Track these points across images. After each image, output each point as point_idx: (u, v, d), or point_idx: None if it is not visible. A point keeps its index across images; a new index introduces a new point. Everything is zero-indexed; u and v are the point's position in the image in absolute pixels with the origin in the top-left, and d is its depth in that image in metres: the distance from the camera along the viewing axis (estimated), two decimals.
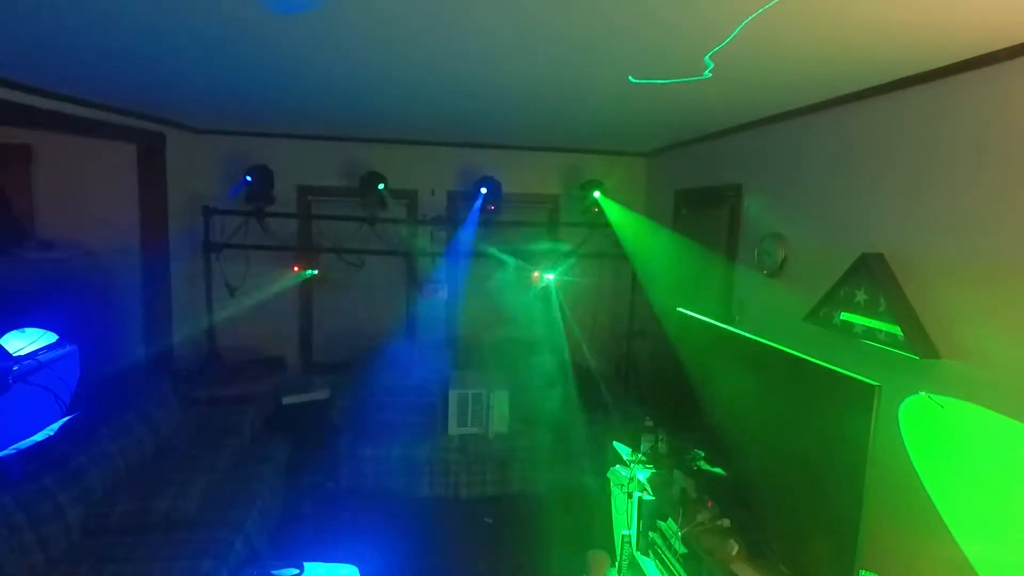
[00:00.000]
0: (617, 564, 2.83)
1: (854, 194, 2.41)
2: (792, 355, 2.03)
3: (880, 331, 2.10)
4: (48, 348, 3.16)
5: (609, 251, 4.84)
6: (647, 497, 2.72)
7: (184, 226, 4.35)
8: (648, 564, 2.63)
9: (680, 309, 2.91)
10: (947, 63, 1.89)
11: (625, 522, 2.89)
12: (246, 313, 4.57)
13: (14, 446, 2.66)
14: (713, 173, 3.75)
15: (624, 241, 4.65)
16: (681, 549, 2.39)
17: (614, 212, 4.59)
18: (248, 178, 4.20)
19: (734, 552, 2.15)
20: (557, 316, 5.07)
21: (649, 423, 3.08)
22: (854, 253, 2.26)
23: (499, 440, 3.84)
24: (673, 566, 2.43)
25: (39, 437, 2.78)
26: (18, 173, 3.87)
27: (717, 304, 3.47)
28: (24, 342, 3.03)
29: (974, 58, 1.81)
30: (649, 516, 2.69)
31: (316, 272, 4.60)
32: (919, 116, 2.09)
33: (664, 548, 2.52)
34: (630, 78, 1.84)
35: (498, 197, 4.50)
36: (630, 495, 2.83)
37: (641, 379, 4.71)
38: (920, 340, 1.96)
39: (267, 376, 4.44)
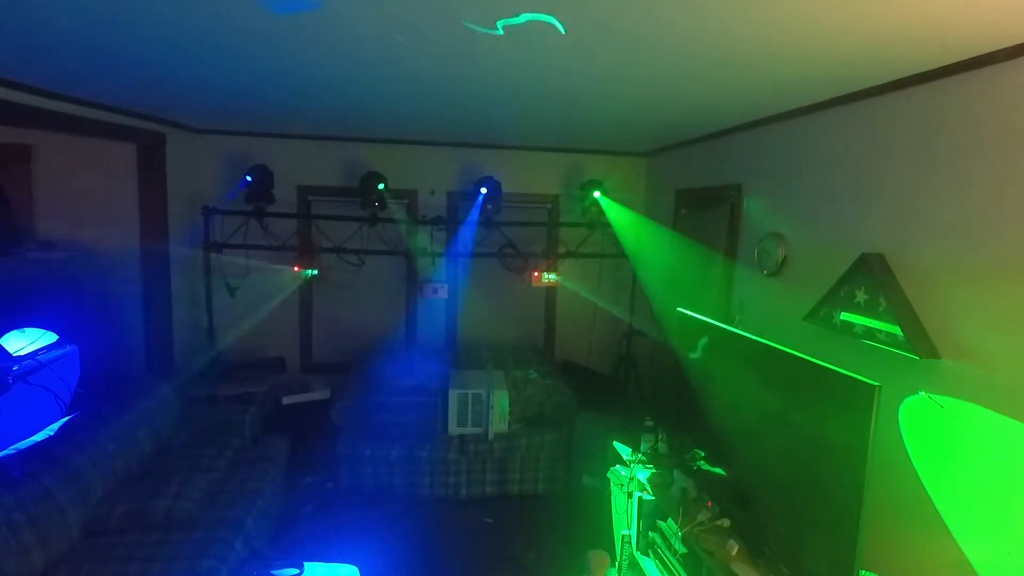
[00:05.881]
0: (617, 564, 2.83)
1: (854, 194, 2.41)
2: (792, 355, 2.04)
3: (880, 331, 2.10)
4: (48, 348, 3.16)
5: (609, 251, 4.84)
6: (647, 497, 2.72)
7: (184, 226, 4.36)
8: (648, 564, 2.63)
9: (680, 309, 2.91)
10: (947, 63, 1.89)
11: (625, 522, 2.89)
12: (246, 313, 4.57)
13: (14, 446, 2.66)
14: (713, 173, 3.75)
15: (624, 241, 4.65)
16: (681, 549, 2.39)
17: (614, 212, 4.59)
18: (248, 178, 4.20)
19: (734, 552, 2.15)
20: (558, 315, 5.07)
21: (649, 423, 3.08)
22: (854, 253, 2.26)
23: (499, 440, 3.84)
24: (673, 566, 2.43)
25: (39, 437, 2.78)
26: (18, 173, 3.87)
27: (717, 304, 3.47)
28: (24, 342, 3.03)
29: (974, 58, 1.81)
30: (649, 516, 2.69)
31: (316, 272, 4.60)
32: (919, 116, 2.09)
33: (664, 548, 2.52)
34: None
35: (498, 197, 4.50)
36: (630, 495, 2.83)
37: (641, 379, 4.71)
38: (920, 340, 1.96)
39: (267, 376, 4.43)
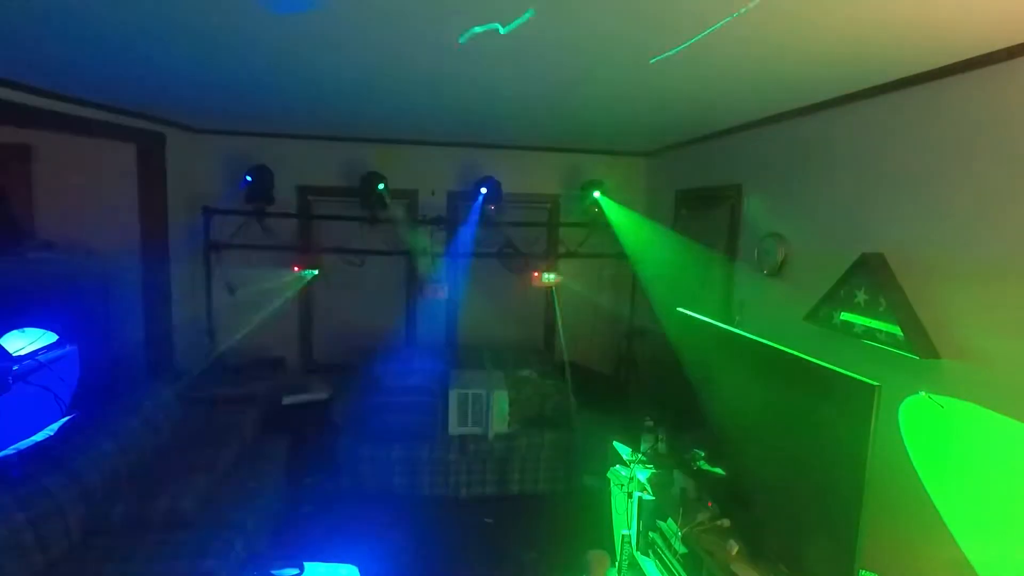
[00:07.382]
0: (617, 564, 2.83)
1: (854, 194, 2.41)
2: (792, 355, 2.03)
3: (880, 331, 2.10)
4: (48, 348, 3.16)
5: (609, 251, 4.84)
6: (647, 497, 2.72)
7: (184, 226, 4.35)
8: (648, 564, 2.63)
9: (680, 309, 2.91)
10: (947, 63, 1.89)
11: (625, 522, 2.89)
12: (246, 313, 4.56)
13: (14, 446, 2.66)
14: (713, 173, 3.75)
15: (624, 241, 4.65)
16: (681, 549, 2.39)
17: (614, 212, 4.59)
18: (248, 178, 4.21)
19: (734, 552, 2.15)
20: (557, 316, 5.07)
21: (649, 423, 3.08)
22: (854, 253, 2.26)
23: (499, 440, 3.84)
24: (673, 566, 2.43)
25: (39, 437, 2.78)
26: (18, 173, 3.87)
27: (717, 304, 3.47)
28: (24, 342, 3.03)
29: (974, 58, 1.81)
30: (649, 516, 2.69)
31: (316, 272, 4.60)
32: (919, 116, 2.09)
33: (664, 548, 2.52)
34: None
35: (498, 197, 4.50)
36: (630, 495, 2.83)
37: (641, 379, 4.70)
38: (920, 340, 1.96)
39: (267, 376, 4.43)
